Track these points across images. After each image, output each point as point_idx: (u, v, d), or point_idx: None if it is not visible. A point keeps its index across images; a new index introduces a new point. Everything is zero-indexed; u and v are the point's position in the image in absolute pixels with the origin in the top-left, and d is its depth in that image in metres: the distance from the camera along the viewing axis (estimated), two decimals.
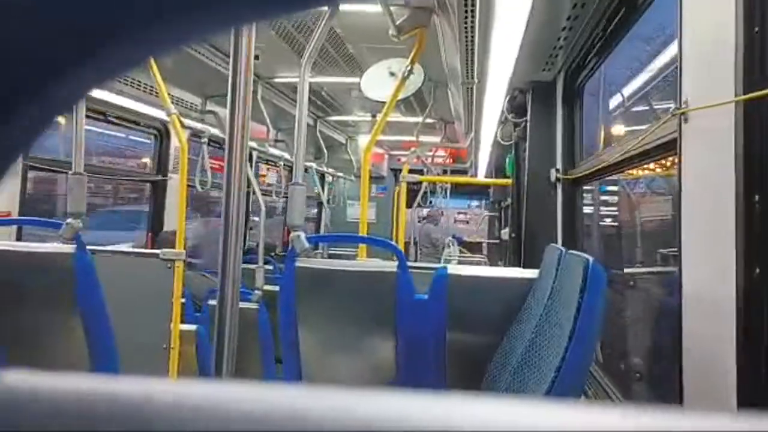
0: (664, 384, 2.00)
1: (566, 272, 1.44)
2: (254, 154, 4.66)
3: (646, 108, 2.87)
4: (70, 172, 2.51)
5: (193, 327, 2.83)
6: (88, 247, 2.53)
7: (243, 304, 3.46)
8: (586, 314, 1.20)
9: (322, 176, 6.59)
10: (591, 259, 1.25)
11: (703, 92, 1.20)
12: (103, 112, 3.63)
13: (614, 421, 0.23)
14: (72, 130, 2.54)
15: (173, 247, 2.74)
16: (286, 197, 3.06)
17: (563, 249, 1.69)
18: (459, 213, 10.17)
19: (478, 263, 6.40)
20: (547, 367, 1.28)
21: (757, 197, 1.03)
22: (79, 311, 2.57)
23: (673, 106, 1.36)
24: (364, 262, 2.60)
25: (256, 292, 3.51)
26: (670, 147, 1.41)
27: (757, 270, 1.02)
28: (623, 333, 2.69)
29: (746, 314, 1.03)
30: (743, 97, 1.04)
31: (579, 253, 1.41)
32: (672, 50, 2.06)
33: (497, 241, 6.82)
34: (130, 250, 3.47)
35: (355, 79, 3.65)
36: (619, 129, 3.18)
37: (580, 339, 1.19)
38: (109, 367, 2.65)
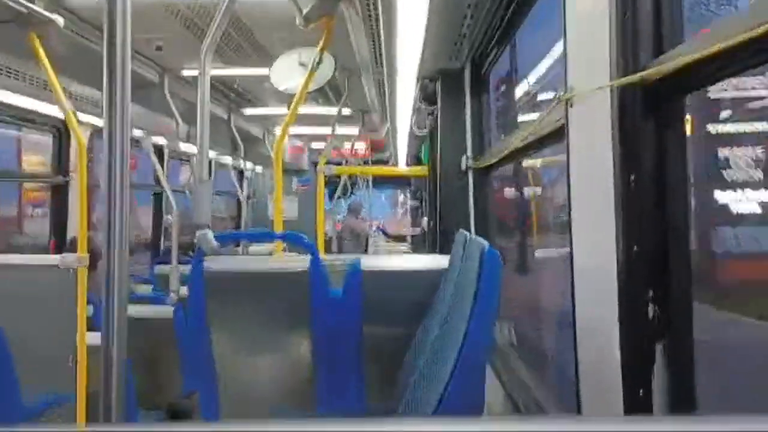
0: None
1: (468, 258, 1.47)
2: (165, 151, 4.46)
3: (552, 95, 2.98)
4: None
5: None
6: None
7: (159, 309, 3.34)
8: (481, 298, 1.22)
9: (240, 172, 6.42)
10: (486, 243, 1.27)
11: (585, 78, 1.25)
12: None
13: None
14: None
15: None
16: None
17: (468, 235, 1.72)
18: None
19: (402, 253, 6.45)
20: (452, 351, 1.30)
21: (632, 177, 1.08)
22: None
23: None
24: (278, 260, 2.55)
25: (171, 295, 3.37)
26: (560, 132, 1.45)
27: (635, 248, 1.07)
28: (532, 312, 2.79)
29: (627, 291, 1.08)
30: (617, 81, 1.08)
31: (478, 238, 1.44)
32: None
33: (420, 230, 6.92)
34: (27, 259, 3.23)
35: (267, 70, 3.56)
36: (526, 116, 3.28)
37: (477, 321, 1.22)
38: (8, 391, 2.46)
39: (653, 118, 1.06)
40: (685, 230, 1.06)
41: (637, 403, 1.02)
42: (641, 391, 1.02)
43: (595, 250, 1.23)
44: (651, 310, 1.04)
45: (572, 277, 1.30)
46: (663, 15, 1.07)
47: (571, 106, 1.31)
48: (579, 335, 1.26)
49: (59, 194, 3.91)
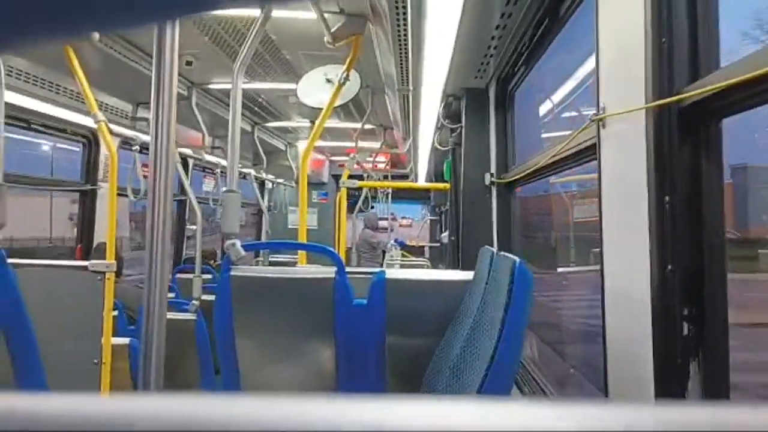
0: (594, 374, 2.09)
1: (497, 273, 1.49)
2: (190, 161, 4.55)
3: (576, 114, 3.00)
4: None
5: (125, 340, 2.72)
6: (10, 261, 2.40)
7: (180, 315, 3.39)
8: (513, 313, 1.24)
9: (261, 183, 6.50)
10: (518, 260, 1.29)
11: (618, 99, 1.27)
12: (26, 119, 3.45)
13: (543, 414, 0.24)
14: None
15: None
16: None
17: (494, 251, 1.74)
18: (403, 218, 10.29)
19: (420, 267, 6.47)
20: (481, 364, 1.32)
21: (667, 198, 1.10)
22: (2, 329, 2.43)
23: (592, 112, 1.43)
24: (302, 268, 2.58)
25: (193, 302, 3.42)
26: (590, 151, 1.48)
27: (669, 267, 1.09)
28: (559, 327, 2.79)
29: (661, 309, 1.10)
30: (652, 104, 1.11)
31: (508, 254, 1.46)
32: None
33: (438, 244, 6.92)
34: (58, 262, 3.30)
35: (292, 86, 3.63)
36: (551, 134, 3.30)
37: (508, 336, 1.24)
38: (35, 387, 2.51)
39: (689, 142, 1.09)
40: (722, 250, 1.08)
41: None
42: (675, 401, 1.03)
43: (627, 269, 1.24)
44: (685, 328, 1.06)
45: (603, 296, 1.32)
46: (699, 40, 1.09)
47: (604, 126, 1.33)
48: (609, 353, 1.27)
49: (87, 202, 4.00)
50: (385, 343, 2.09)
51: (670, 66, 1.11)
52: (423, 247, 8.48)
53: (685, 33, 1.09)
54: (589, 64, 1.84)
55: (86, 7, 0.22)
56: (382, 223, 7.67)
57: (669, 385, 1.06)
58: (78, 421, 0.25)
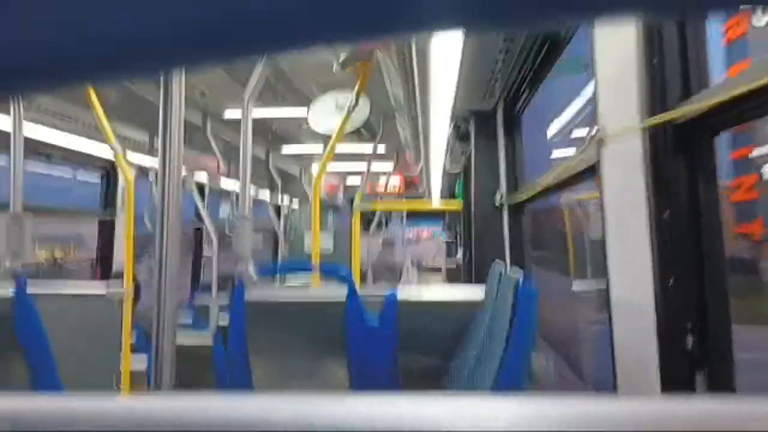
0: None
1: (503, 290, 1.51)
2: (206, 188, 4.63)
3: (580, 133, 3.03)
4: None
5: (144, 367, 2.76)
6: (30, 290, 2.46)
7: (198, 340, 3.42)
8: (517, 329, 1.26)
9: (277, 208, 6.57)
10: (521, 277, 1.31)
11: (616, 118, 1.30)
12: (45, 153, 3.56)
13: (557, 408, 0.26)
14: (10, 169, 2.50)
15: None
16: None
17: (503, 267, 1.76)
18: (419, 236, 10.24)
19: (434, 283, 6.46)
20: (488, 380, 1.33)
21: (666, 212, 1.12)
22: (23, 357, 2.48)
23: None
24: (315, 291, 2.61)
25: (210, 326, 3.46)
26: (593, 170, 1.50)
27: (671, 281, 1.10)
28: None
29: (665, 323, 1.11)
30: (647, 122, 1.13)
31: (513, 269, 1.48)
32: None
33: (454, 266, 6.91)
34: (75, 291, 3.37)
35: (304, 112, 3.71)
36: (558, 153, 3.33)
37: (512, 354, 1.25)
38: None
39: (684, 156, 1.11)
40: (721, 262, 1.09)
41: None
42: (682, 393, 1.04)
43: (631, 284, 1.25)
44: (690, 341, 1.07)
45: (609, 311, 1.33)
46: (689, 59, 1.12)
47: (603, 145, 1.36)
48: (618, 367, 1.28)
49: (106, 229, 4.09)
50: (398, 364, 2.11)
51: (662, 84, 1.14)
52: (439, 268, 8.46)
53: (675, 53, 1.13)
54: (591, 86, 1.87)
55: (93, 60, 0.23)
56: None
57: (673, 390, 1.07)
58: (94, 420, 0.28)
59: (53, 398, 0.29)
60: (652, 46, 1.14)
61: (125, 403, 0.29)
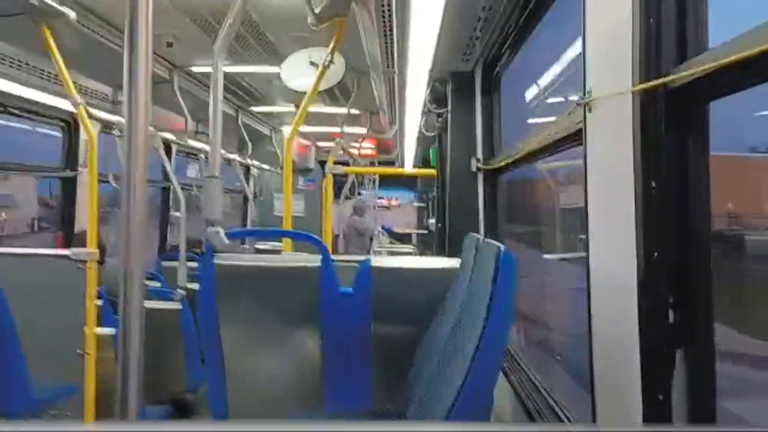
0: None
1: (482, 260, 1.47)
2: (173, 146, 4.47)
3: (563, 99, 2.98)
4: None
5: (110, 330, 2.68)
6: None
7: (166, 304, 3.35)
8: (498, 299, 1.22)
9: (247, 169, 6.42)
10: (503, 246, 1.27)
11: (605, 83, 1.25)
12: (2, 103, 3.36)
13: None
14: None
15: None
16: None
17: (480, 237, 1.72)
18: (382, 200, 10.17)
19: (407, 254, 6.45)
20: (467, 353, 1.30)
21: (654, 183, 1.07)
22: None
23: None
24: (288, 256, 2.55)
25: (178, 290, 3.39)
26: (577, 136, 1.45)
27: (656, 254, 1.07)
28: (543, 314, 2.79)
29: (647, 297, 1.08)
30: (639, 87, 1.08)
31: (492, 241, 1.44)
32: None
33: (426, 231, 6.92)
34: (38, 251, 3.24)
35: (276, 69, 3.57)
36: (537, 119, 3.28)
37: (494, 324, 1.22)
38: (18, 380, 2.47)
39: (676, 125, 1.06)
40: (707, 237, 1.06)
41: (656, 410, 1.02)
42: (660, 396, 1.02)
43: (613, 257, 1.22)
44: (671, 315, 1.04)
45: (588, 283, 1.30)
46: (687, 22, 1.06)
47: (590, 110, 1.31)
48: (595, 341, 1.26)
49: (68, 188, 3.92)
50: (371, 332, 2.07)
51: (657, 47, 1.08)
52: (410, 234, 8.48)
53: (673, 14, 1.07)
54: (577, 47, 1.81)
55: None
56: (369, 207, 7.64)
57: (655, 373, 1.05)
58: None
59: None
60: (650, 5, 1.08)
61: None
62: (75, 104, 2.70)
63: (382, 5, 2.27)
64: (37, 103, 3.51)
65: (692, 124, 1.06)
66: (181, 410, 3.22)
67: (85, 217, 3.05)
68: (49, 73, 3.39)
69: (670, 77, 1.03)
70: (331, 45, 2.60)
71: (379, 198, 7.60)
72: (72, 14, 2.57)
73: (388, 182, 8.44)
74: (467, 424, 1.16)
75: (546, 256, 3.17)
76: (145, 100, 1.18)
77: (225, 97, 4.83)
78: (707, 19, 1.06)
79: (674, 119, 1.07)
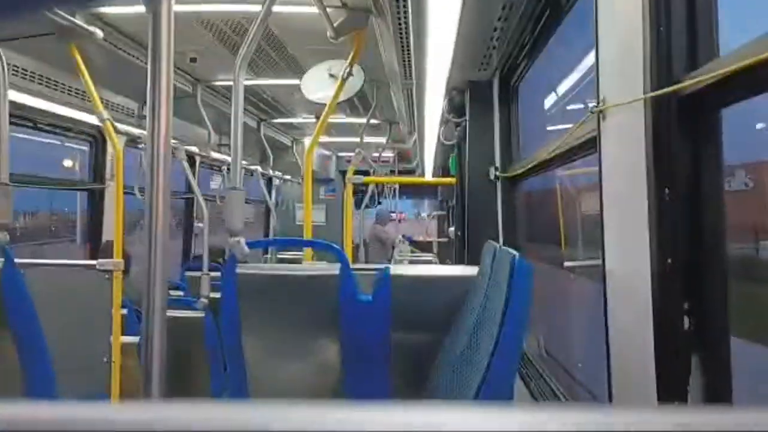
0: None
1: (498, 267, 1.48)
2: (196, 159, 4.57)
3: (581, 105, 2.97)
4: None
5: (134, 339, 2.74)
6: (18, 261, 2.42)
7: (189, 313, 3.41)
8: (513, 307, 1.23)
9: (268, 180, 6.51)
10: (517, 254, 1.29)
11: (618, 91, 1.26)
12: (31, 118, 3.48)
13: (543, 419, 0.24)
14: None
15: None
16: None
17: (497, 245, 1.73)
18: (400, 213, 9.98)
19: (428, 262, 6.46)
20: (482, 359, 1.31)
21: (667, 191, 1.08)
22: (10, 329, 2.45)
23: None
24: (308, 265, 2.58)
25: (201, 299, 3.44)
26: (592, 144, 1.46)
27: (669, 260, 1.08)
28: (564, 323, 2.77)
29: (662, 303, 1.08)
30: (651, 94, 1.09)
31: (508, 248, 1.45)
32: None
33: (447, 239, 6.91)
34: (65, 262, 3.34)
35: (297, 81, 3.64)
36: (555, 126, 3.27)
37: (509, 330, 1.23)
38: (44, 387, 2.54)
39: (688, 132, 1.07)
40: (721, 242, 1.06)
41: None
42: (677, 404, 1.02)
43: (628, 263, 1.23)
44: (686, 321, 1.04)
45: (605, 290, 1.30)
46: (698, 29, 1.07)
47: (604, 118, 1.32)
48: (612, 347, 1.26)
49: (95, 200, 4.03)
50: (390, 339, 2.09)
51: (668, 55, 1.09)
52: (431, 242, 8.47)
53: (683, 22, 1.08)
54: (592, 55, 1.81)
55: None
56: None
57: (671, 379, 1.05)
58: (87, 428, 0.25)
59: (41, 406, 0.26)
60: (660, 13, 1.09)
61: (119, 412, 0.26)
62: (102, 119, 2.79)
63: (399, 18, 2.31)
64: (65, 118, 3.63)
65: (705, 131, 1.07)
66: None
67: (111, 229, 3.13)
68: (76, 89, 3.50)
69: (682, 84, 1.04)
70: (350, 57, 2.65)
71: (391, 212, 7.61)
72: (99, 33, 2.67)
73: (408, 191, 8.47)
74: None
75: (567, 263, 3.15)
76: (167, 114, 1.23)
77: (246, 110, 4.93)
78: (717, 26, 1.07)
79: (687, 126, 1.07)
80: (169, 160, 1.27)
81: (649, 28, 1.10)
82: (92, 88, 2.68)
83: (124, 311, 2.77)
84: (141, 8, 1.32)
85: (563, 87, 2.83)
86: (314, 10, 2.51)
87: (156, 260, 1.17)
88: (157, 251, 1.18)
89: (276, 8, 2.43)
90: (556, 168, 2.28)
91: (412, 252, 7.18)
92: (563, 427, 0.24)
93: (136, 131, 3.93)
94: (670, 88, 1.06)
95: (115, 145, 2.87)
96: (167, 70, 1.23)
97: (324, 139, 6.35)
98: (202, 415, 0.26)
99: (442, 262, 6.81)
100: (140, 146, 4.06)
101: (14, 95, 2.84)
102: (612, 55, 1.31)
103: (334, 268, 2.14)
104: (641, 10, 1.11)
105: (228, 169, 5.09)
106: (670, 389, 1.04)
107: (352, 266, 2.18)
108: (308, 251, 2.91)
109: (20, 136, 3.72)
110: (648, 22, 1.10)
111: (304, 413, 0.25)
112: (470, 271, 2.09)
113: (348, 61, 2.67)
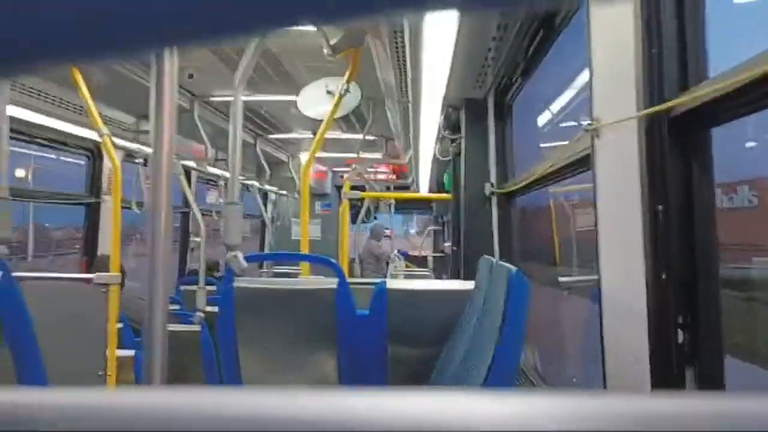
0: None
1: (495, 282, 1.50)
2: (193, 173, 4.58)
3: (574, 123, 3.01)
4: None
5: (130, 353, 2.73)
6: (14, 274, 2.42)
7: (185, 327, 3.40)
8: (510, 321, 1.25)
9: (264, 195, 6.53)
10: (514, 269, 1.30)
11: (611, 110, 1.29)
12: (30, 133, 3.49)
13: (542, 405, 0.25)
14: None
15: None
16: None
17: (494, 260, 1.75)
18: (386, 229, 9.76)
19: (423, 277, 6.46)
20: (479, 374, 1.32)
21: (660, 207, 1.11)
22: (6, 343, 2.44)
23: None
24: (305, 279, 2.59)
25: (198, 313, 3.44)
26: (586, 161, 1.49)
27: (663, 275, 1.10)
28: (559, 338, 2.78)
29: (656, 318, 1.10)
30: (643, 113, 1.12)
31: (505, 263, 1.47)
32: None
33: (442, 254, 6.93)
34: (62, 275, 3.33)
35: (293, 97, 3.67)
36: (549, 143, 3.32)
37: (505, 345, 1.25)
38: None
39: (679, 150, 1.10)
40: (714, 258, 1.09)
41: None
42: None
43: (623, 278, 1.25)
44: (681, 336, 1.06)
45: (600, 305, 1.32)
46: (688, 50, 1.11)
47: (597, 136, 1.35)
48: (608, 361, 1.28)
49: (91, 214, 4.03)
50: (387, 353, 2.10)
51: (660, 75, 1.12)
52: (426, 257, 8.48)
53: (674, 44, 1.11)
54: (585, 74, 1.85)
55: (88, 36, 0.21)
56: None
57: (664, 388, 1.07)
58: (82, 415, 0.26)
59: (37, 392, 0.27)
60: (651, 35, 1.12)
61: (115, 397, 0.27)
62: (101, 135, 2.80)
63: (395, 36, 2.35)
64: (63, 133, 3.64)
65: (696, 149, 1.10)
66: None
67: (108, 243, 3.13)
68: (74, 104, 3.52)
69: (672, 103, 1.07)
70: (347, 75, 2.68)
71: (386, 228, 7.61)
72: None
73: (404, 206, 8.49)
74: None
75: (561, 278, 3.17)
76: (169, 130, 1.25)
77: (244, 125, 4.96)
78: (706, 48, 1.10)
79: (678, 144, 1.10)
80: (170, 177, 1.29)
81: (642, 50, 1.13)
82: (91, 103, 2.70)
83: (120, 325, 2.76)
84: None
85: (557, 105, 2.87)
86: (311, 28, 2.55)
87: (157, 275, 1.18)
88: (158, 266, 1.19)
89: None
90: (551, 184, 2.31)
91: (407, 267, 7.18)
92: (562, 414, 0.25)
93: (133, 146, 3.94)
94: (661, 107, 1.09)
95: (114, 161, 2.88)
96: (170, 87, 1.25)
97: (320, 154, 6.39)
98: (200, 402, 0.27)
99: (437, 277, 6.81)
100: (136, 161, 4.08)
101: (13, 110, 2.85)
102: (605, 76, 1.34)
103: (331, 283, 2.15)
104: (633, 32, 1.15)
105: (225, 183, 5.11)
106: None
107: (348, 281, 2.19)
108: (305, 266, 2.92)
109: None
110: (640, 44, 1.13)
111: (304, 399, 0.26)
112: (466, 285, 2.11)
113: (345, 78, 2.70)
